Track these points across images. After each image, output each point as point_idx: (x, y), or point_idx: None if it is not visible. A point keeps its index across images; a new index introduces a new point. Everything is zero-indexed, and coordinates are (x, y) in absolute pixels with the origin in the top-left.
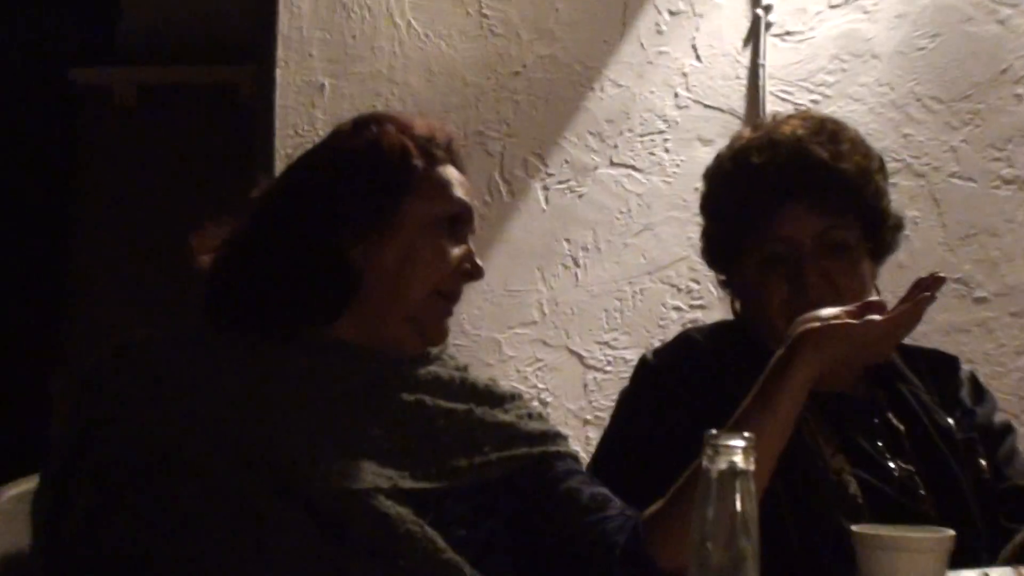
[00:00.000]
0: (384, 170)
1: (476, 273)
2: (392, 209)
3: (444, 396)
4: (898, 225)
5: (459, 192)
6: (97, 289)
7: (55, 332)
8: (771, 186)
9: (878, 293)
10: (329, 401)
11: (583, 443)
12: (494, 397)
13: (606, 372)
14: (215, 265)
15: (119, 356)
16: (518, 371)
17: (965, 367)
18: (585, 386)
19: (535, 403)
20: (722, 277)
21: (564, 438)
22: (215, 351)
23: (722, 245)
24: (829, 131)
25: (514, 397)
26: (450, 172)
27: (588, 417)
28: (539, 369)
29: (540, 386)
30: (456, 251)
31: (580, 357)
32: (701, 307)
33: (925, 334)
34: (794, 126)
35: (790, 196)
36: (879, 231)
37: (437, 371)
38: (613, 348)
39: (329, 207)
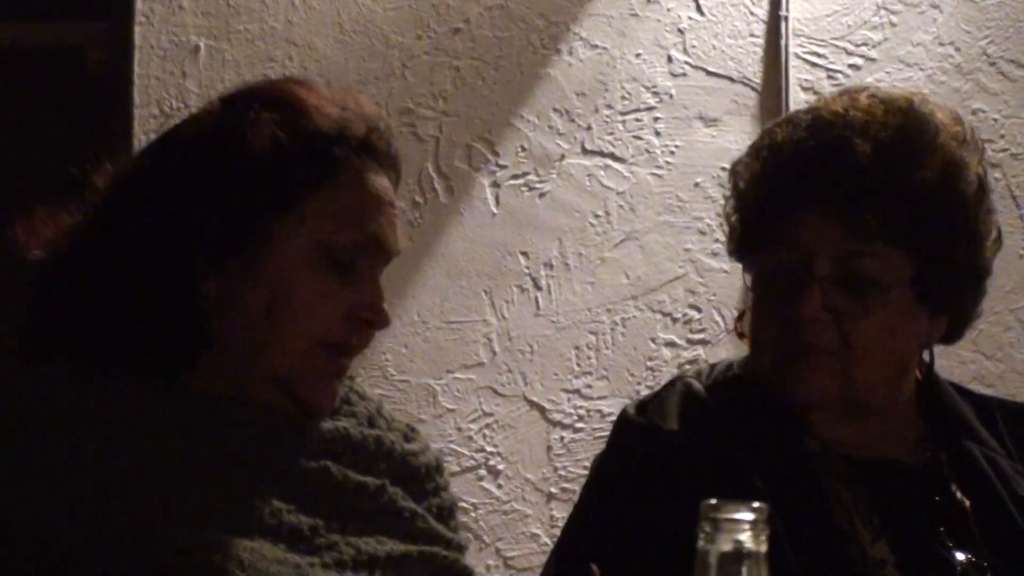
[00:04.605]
0: (249, 177)
1: (377, 322)
2: (259, 233)
3: (354, 464)
4: (975, 277)
5: (367, 212)
6: None
7: None
8: (793, 177)
9: (931, 357)
10: (210, 468)
11: (546, 524)
12: (410, 470)
13: (576, 430)
14: (41, 275)
15: None
16: (459, 429)
17: None
18: (549, 448)
19: (482, 470)
20: (748, 275)
21: (462, 552)
22: (51, 395)
23: (738, 231)
24: (907, 127)
25: (430, 472)
26: (360, 181)
27: (553, 490)
28: (488, 426)
29: (489, 448)
30: (350, 292)
31: (542, 410)
32: (703, 342)
33: (1001, 376)
34: (858, 105)
35: (811, 197)
36: (941, 281)
37: (346, 427)
38: (586, 398)
39: (176, 222)
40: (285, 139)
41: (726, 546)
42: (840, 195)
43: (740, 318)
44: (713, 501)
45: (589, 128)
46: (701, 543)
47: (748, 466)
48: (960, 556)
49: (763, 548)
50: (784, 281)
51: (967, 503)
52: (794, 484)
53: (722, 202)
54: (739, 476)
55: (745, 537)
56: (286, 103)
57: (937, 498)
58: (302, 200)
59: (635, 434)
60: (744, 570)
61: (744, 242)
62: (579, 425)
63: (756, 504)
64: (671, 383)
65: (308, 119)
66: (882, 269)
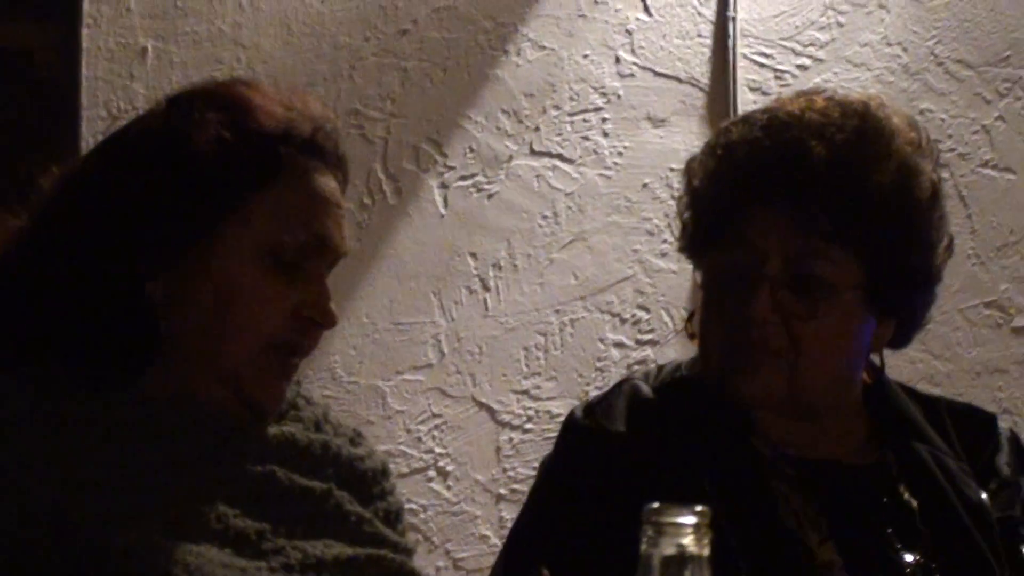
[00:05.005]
0: (193, 177)
1: (324, 322)
2: (204, 233)
3: (300, 468)
4: (924, 284)
5: (313, 212)
6: None
7: None
8: (747, 177)
9: (881, 360)
10: (158, 472)
11: (496, 525)
12: (356, 475)
13: (525, 431)
14: None
15: None
16: (408, 430)
17: (1004, 426)
18: (498, 450)
19: (431, 472)
20: (699, 274)
21: (409, 556)
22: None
23: (690, 229)
24: (863, 129)
25: (376, 476)
26: (306, 181)
27: (502, 491)
28: (437, 428)
29: (438, 450)
30: (296, 292)
31: (491, 411)
32: (651, 343)
33: (949, 375)
34: (814, 107)
35: (765, 197)
36: (891, 286)
37: (293, 432)
38: (535, 399)
39: (120, 224)
40: (230, 139)
41: (669, 550)
42: (794, 196)
43: (691, 318)
44: (656, 505)
45: (537, 129)
46: (644, 547)
47: (696, 468)
48: (908, 557)
49: (706, 552)
50: (735, 280)
51: (915, 504)
52: (742, 486)
53: (671, 203)
54: (687, 478)
55: (688, 541)
56: (231, 103)
57: (885, 499)
58: (247, 200)
59: (582, 436)
60: (687, 574)
61: (696, 240)
62: (528, 426)
63: (699, 508)
64: (618, 385)
65: (253, 119)
66: (833, 272)
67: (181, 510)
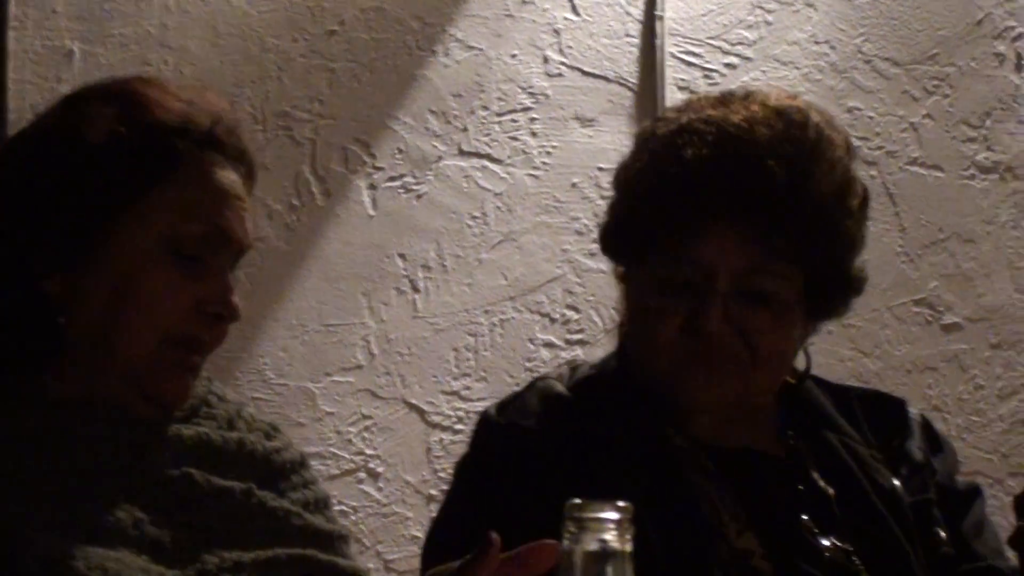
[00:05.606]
0: (87, 172)
1: (227, 315)
2: (100, 228)
3: (217, 469)
4: (858, 288)
5: (213, 204)
6: None
7: None
8: (697, 194)
9: (808, 360)
10: (73, 478)
11: (426, 526)
12: (274, 469)
13: (456, 432)
14: None
15: None
16: (338, 432)
17: (915, 411)
18: (428, 451)
19: (361, 473)
20: (621, 270)
21: (344, 542)
22: None
23: (629, 236)
24: (808, 141)
25: (294, 467)
26: (205, 174)
27: (432, 492)
28: (367, 429)
29: (368, 451)
30: (197, 286)
31: (421, 412)
32: (581, 342)
33: (879, 373)
34: (760, 119)
35: (716, 214)
36: (829, 293)
37: (207, 432)
38: (465, 400)
39: (14, 220)
40: (124, 133)
41: (591, 546)
42: (749, 215)
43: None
44: (577, 501)
45: (465, 129)
46: (566, 543)
47: (612, 463)
48: (826, 542)
49: (628, 547)
50: (679, 290)
51: (831, 491)
52: (659, 480)
53: (600, 202)
54: (604, 474)
55: (610, 536)
56: (126, 98)
57: (800, 487)
58: (145, 194)
59: (496, 434)
60: (609, 569)
61: (633, 247)
62: (458, 427)
63: (621, 503)
64: (531, 384)
65: (148, 113)
66: (781, 285)
67: (98, 516)
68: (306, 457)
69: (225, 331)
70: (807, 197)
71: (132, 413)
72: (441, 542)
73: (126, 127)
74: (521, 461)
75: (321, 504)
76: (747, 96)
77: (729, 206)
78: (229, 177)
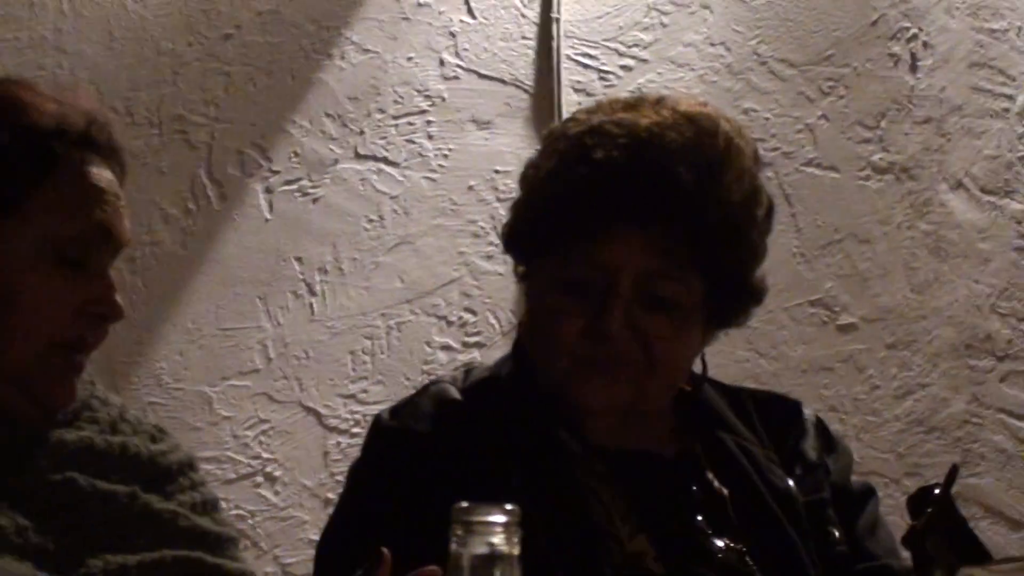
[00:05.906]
0: None
1: (112, 315)
2: None
3: (101, 473)
4: (758, 297)
5: (92, 202)
6: None
7: None
8: (605, 196)
9: (704, 365)
10: None
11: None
12: (160, 471)
13: (353, 435)
14: None
15: None
16: (235, 436)
17: (809, 411)
18: (326, 454)
19: (259, 477)
20: (521, 269)
21: (234, 544)
22: None
23: (534, 235)
24: (717, 149)
25: (181, 469)
26: (82, 173)
27: (330, 496)
28: (264, 433)
29: (266, 455)
30: (80, 288)
31: (318, 416)
32: (478, 345)
33: (776, 374)
34: (671, 124)
35: (623, 218)
36: (730, 301)
37: (90, 436)
38: (362, 403)
39: None
40: (5, 139)
41: (479, 549)
42: (655, 220)
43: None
44: (465, 504)
45: (362, 133)
46: (454, 546)
47: (504, 466)
48: (719, 543)
49: (516, 551)
50: (580, 292)
51: (725, 491)
52: (551, 483)
53: (496, 205)
54: (496, 477)
55: (498, 540)
56: (1, 103)
57: (694, 488)
58: (24, 199)
59: (388, 438)
60: (497, 572)
61: (535, 247)
62: (356, 431)
63: (508, 507)
64: (424, 388)
65: (25, 116)
66: (682, 292)
67: None
68: (194, 459)
69: (107, 330)
70: (714, 205)
71: (12, 417)
72: (334, 547)
73: (5, 133)
74: (413, 465)
75: (209, 506)
76: (658, 101)
77: (636, 210)
78: (105, 176)
